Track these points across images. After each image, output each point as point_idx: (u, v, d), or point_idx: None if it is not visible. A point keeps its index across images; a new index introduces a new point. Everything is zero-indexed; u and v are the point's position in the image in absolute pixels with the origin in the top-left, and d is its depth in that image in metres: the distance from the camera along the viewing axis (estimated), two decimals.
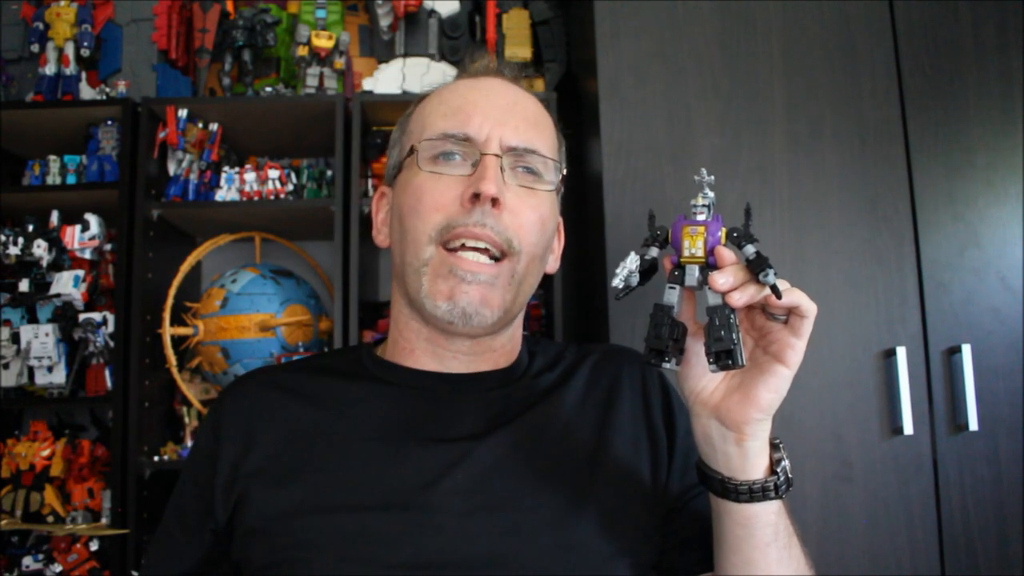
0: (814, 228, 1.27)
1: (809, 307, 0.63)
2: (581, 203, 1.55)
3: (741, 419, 0.66)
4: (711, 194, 0.68)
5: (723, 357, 0.64)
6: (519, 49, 1.70)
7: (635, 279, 0.69)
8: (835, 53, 1.32)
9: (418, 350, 0.83)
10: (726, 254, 0.65)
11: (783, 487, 0.68)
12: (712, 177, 0.68)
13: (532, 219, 0.79)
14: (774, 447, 0.69)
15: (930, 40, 1.32)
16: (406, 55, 1.74)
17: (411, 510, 0.73)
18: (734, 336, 0.63)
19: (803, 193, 1.28)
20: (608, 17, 1.33)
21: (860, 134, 1.30)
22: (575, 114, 1.62)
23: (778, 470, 0.68)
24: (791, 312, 0.64)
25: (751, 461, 0.67)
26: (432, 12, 1.74)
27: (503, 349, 0.85)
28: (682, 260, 0.67)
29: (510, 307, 0.79)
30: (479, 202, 0.75)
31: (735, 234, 0.66)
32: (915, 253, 1.27)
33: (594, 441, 0.80)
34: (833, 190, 1.28)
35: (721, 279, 0.63)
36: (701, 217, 0.67)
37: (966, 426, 1.21)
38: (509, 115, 0.81)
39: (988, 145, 1.30)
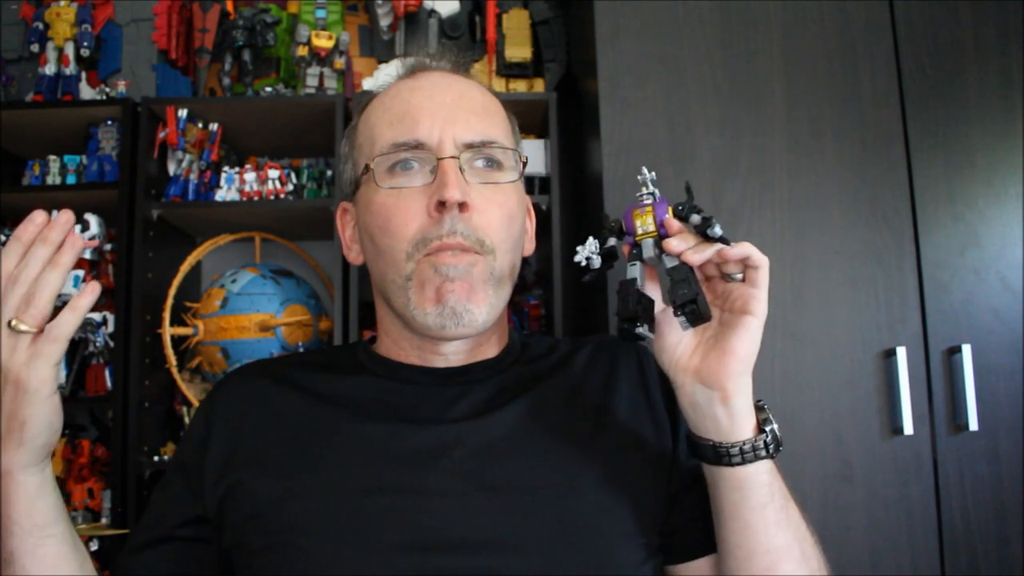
0: (814, 228, 1.27)
1: (760, 257, 0.67)
2: (581, 203, 1.54)
3: (722, 374, 0.68)
4: (655, 189, 0.73)
5: (689, 306, 0.67)
6: (519, 49, 1.70)
7: (597, 261, 0.74)
8: (835, 53, 1.32)
9: (412, 356, 0.83)
10: (674, 222, 0.70)
11: (772, 446, 0.70)
12: (653, 174, 0.73)
13: (500, 216, 0.78)
14: (759, 409, 0.71)
15: (930, 40, 1.32)
16: (406, 55, 1.74)
17: (408, 492, 0.72)
18: (695, 287, 0.67)
19: (803, 193, 1.28)
20: (608, 17, 1.33)
21: (860, 134, 1.30)
22: (575, 114, 1.62)
23: (766, 429, 0.70)
24: (746, 266, 0.68)
25: (738, 420, 0.69)
26: (432, 12, 1.74)
27: (489, 343, 0.85)
28: (636, 238, 0.72)
29: (494, 301, 0.78)
30: (446, 209, 0.74)
31: (680, 207, 0.70)
32: (915, 253, 1.27)
33: (595, 421, 0.80)
34: (833, 190, 1.28)
35: (675, 242, 0.69)
36: (648, 201, 0.72)
37: (966, 426, 1.21)
38: (457, 111, 0.79)
39: (988, 145, 1.30)
